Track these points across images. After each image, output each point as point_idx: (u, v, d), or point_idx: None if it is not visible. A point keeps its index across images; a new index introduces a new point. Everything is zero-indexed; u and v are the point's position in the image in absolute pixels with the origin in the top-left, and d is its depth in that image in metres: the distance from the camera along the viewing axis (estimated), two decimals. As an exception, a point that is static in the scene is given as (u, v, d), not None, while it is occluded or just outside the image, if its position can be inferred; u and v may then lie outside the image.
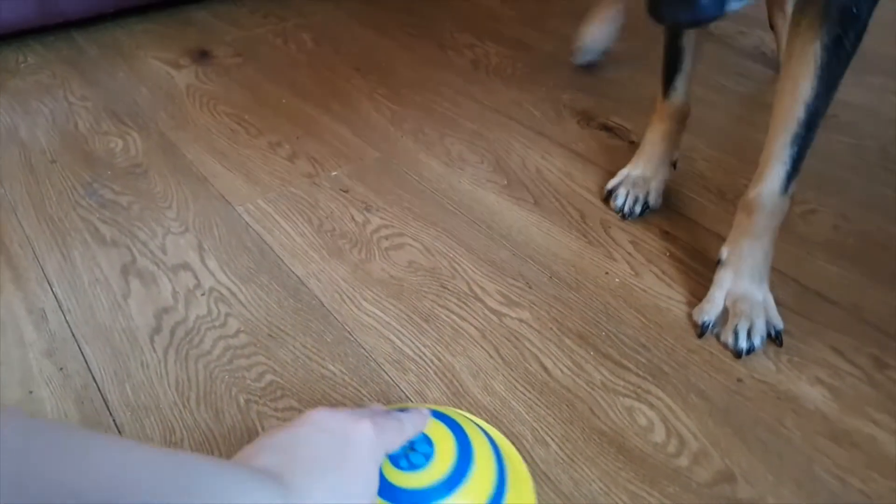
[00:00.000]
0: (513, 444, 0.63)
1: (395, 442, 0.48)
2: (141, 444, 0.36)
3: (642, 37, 1.53)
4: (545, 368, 0.71)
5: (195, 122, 1.22)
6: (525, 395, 0.69)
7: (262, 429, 0.67)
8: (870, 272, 0.82)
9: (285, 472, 0.38)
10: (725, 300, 0.75)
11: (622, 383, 0.69)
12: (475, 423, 0.60)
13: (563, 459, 0.62)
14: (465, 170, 1.06)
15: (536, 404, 0.67)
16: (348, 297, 0.83)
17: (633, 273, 0.84)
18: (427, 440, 0.52)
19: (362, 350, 0.76)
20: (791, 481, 0.59)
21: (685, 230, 0.91)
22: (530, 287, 0.83)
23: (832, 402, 0.66)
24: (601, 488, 0.60)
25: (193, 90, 1.33)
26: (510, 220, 0.95)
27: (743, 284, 0.75)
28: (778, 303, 0.78)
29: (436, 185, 1.03)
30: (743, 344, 0.71)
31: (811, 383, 0.68)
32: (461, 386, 0.70)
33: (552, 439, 0.64)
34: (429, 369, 0.73)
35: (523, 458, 0.62)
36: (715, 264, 0.78)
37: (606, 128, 1.17)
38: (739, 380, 0.69)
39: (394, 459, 0.50)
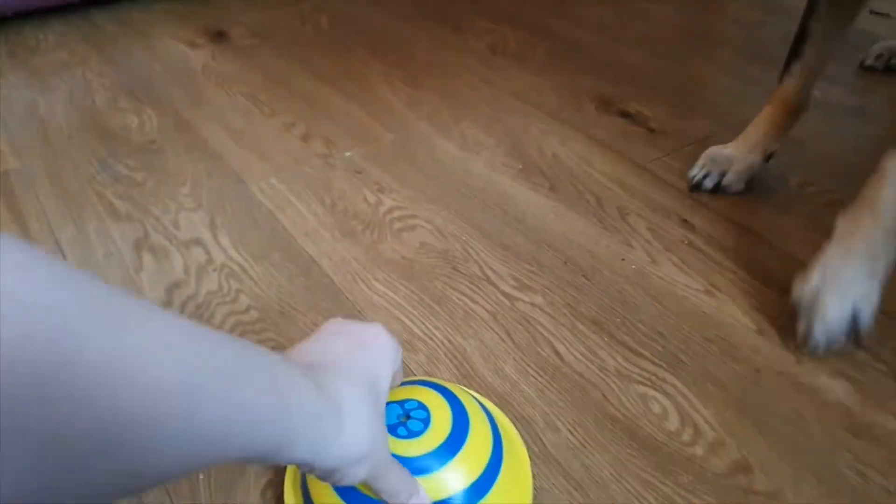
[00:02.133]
0: (523, 427, 0.62)
1: (399, 359, 0.48)
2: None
3: (668, 25, 1.51)
4: (557, 353, 0.70)
5: (210, 102, 1.22)
6: (536, 379, 0.67)
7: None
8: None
9: (312, 373, 0.37)
10: (818, 279, 0.66)
11: (637, 370, 0.68)
12: (470, 394, 0.59)
13: (574, 445, 0.61)
14: (481, 153, 1.05)
15: (548, 389, 0.66)
16: (360, 276, 0.82)
17: (650, 260, 0.82)
18: (423, 407, 0.52)
19: (373, 330, 0.74)
20: (810, 474, 0.58)
21: (704, 218, 0.89)
22: (544, 272, 0.81)
23: (854, 394, 0.64)
24: (612, 475, 0.58)
25: (209, 70, 1.33)
26: (525, 204, 0.93)
27: (846, 265, 0.65)
28: (799, 293, 0.76)
29: (450, 168, 1.02)
30: (819, 336, 0.64)
31: (832, 376, 0.66)
32: (471, 368, 0.69)
33: (563, 424, 0.63)
34: (439, 350, 0.72)
35: (533, 442, 0.61)
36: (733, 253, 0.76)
37: (625, 114, 1.14)
38: (758, 370, 0.67)
39: (391, 428, 0.50)
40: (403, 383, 0.56)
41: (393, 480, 0.44)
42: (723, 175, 0.92)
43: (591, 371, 0.68)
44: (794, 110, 0.91)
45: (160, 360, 0.26)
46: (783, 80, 0.89)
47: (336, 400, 0.36)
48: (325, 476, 0.38)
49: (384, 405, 0.43)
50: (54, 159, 1.07)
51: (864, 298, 0.64)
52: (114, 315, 0.26)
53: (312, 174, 1.01)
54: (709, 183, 0.93)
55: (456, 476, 0.49)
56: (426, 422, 0.51)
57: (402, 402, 0.52)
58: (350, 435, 0.37)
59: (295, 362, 0.38)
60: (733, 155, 0.92)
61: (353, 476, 0.39)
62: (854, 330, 0.63)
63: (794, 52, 0.87)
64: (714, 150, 0.94)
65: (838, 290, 0.64)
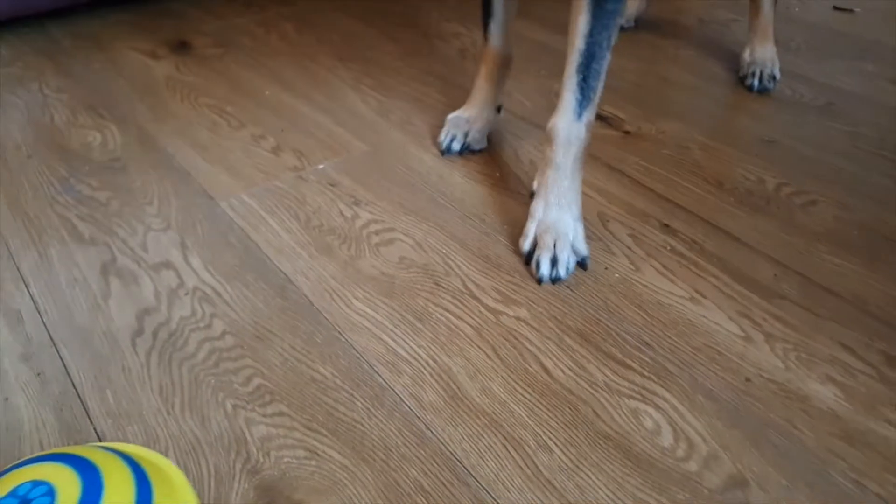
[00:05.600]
0: (514, 450, 0.61)
1: None
2: None
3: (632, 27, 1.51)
4: (546, 369, 0.69)
5: (175, 115, 1.18)
6: (525, 397, 0.66)
7: (251, 437, 0.63)
8: (874, 264, 0.80)
9: None
10: (536, 230, 0.82)
11: (626, 384, 0.67)
12: (102, 447, 0.57)
13: (567, 466, 0.60)
14: (456, 162, 1.03)
15: (538, 407, 0.65)
16: (338, 295, 0.80)
17: (633, 268, 0.81)
18: (40, 484, 0.49)
19: (354, 351, 0.72)
20: (805, 485, 0.57)
21: (684, 222, 0.88)
22: (527, 283, 0.80)
23: (844, 401, 0.64)
24: (608, 496, 0.57)
25: (173, 82, 1.29)
26: (504, 213, 0.92)
27: (551, 214, 0.81)
28: (782, 296, 0.76)
29: (426, 178, 1.00)
30: (545, 272, 0.78)
31: (821, 381, 0.66)
32: (458, 389, 0.67)
33: (555, 444, 0.61)
34: (424, 371, 0.70)
35: (526, 465, 0.60)
36: (715, 257, 0.76)
37: (599, 117, 1.14)
38: (747, 379, 0.67)
39: None
40: (15, 466, 0.53)
41: None
42: (466, 135, 1.04)
43: (580, 387, 0.67)
44: (505, 63, 1.02)
45: None
46: (488, 41, 1.00)
47: None
48: None
49: None
50: (11, 181, 1.03)
51: (574, 233, 0.81)
52: None
53: (284, 189, 0.98)
54: (456, 145, 1.04)
55: None
56: (51, 494, 0.48)
57: (14, 491, 0.49)
58: None
59: None
60: (471, 116, 1.04)
61: None
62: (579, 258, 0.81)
63: (487, 14, 0.98)
64: (453, 116, 1.06)
65: (553, 232, 0.80)
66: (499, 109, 1.07)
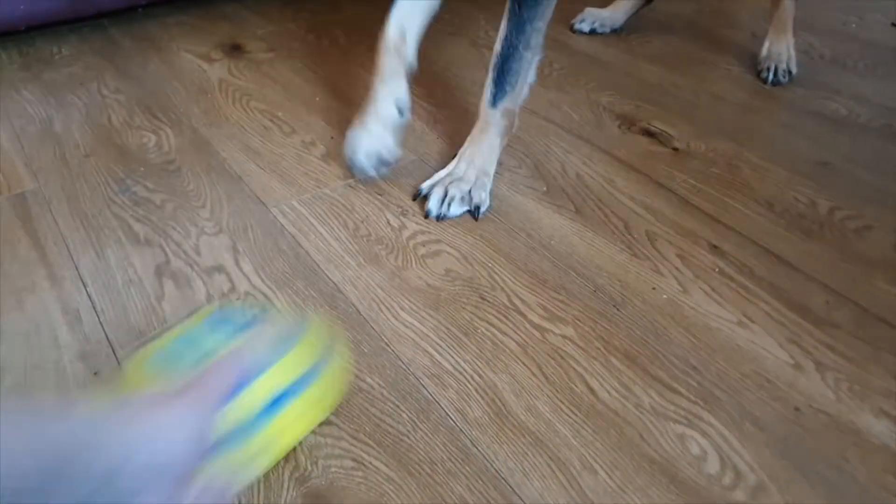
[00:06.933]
0: (559, 471, 0.61)
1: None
2: None
3: (680, 35, 1.49)
4: (591, 390, 0.69)
5: (228, 119, 1.21)
6: (571, 417, 0.66)
7: (299, 444, 0.65)
8: (931, 295, 0.78)
9: None
10: (441, 177, 0.96)
11: (672, 408, 0.66)
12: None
13: (612, 489, 0.60)
14: (503, 174, 1.04)
15: (583, 428, 0.65)
16: (385, 305, 0.81)
17: (681, 289, 0.81)
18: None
19: (400, 363, 0.73)
20: (855, 521, 0.57)
21: (734, 244, 0.87)
22: (573, 301, 0.80)
23: (898, 436, 0.63)
24: (653, 521, 0.57)
25: (226, 85, 1.32)
26: (550, 228, 0.92)
27: (460, 167, 0.96)
28: (834, 325, 0.75)
29: (473, 189, 1.00)
30: (432, 207, 0.93)
31: (875, 415, 0.65)
32: (503, 405, 0.68)
33: (601, 466, 0.61)
34: (469, 386, 0.70)
35: (570, 486, 0.60)
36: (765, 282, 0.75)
37: (648, 133, 1.13)
38: (797, 409, 0.66)
39: None
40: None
41: None
42: None
43: (626, 409, 0.67)
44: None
45: None
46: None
47: None
48: None
49: None
50: (71, 180, 1.06)
51: (475, 184, 0.95)
52: None
53: (334, 197, 1.00)
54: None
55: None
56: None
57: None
58: None
59: None
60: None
61: None
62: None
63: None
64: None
65: (456, 180, 0.95)
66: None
